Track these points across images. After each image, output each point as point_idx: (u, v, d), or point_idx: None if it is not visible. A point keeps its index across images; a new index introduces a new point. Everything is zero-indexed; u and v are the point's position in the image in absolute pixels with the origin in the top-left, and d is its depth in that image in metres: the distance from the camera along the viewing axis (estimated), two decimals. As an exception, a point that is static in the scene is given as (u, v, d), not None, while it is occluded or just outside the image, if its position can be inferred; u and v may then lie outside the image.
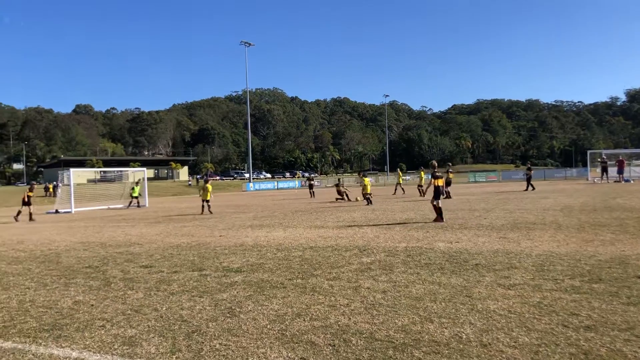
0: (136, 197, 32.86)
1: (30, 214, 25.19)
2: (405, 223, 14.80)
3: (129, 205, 32.72)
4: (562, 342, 4.45)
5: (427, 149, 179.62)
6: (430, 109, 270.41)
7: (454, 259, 8.58)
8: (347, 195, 29.04)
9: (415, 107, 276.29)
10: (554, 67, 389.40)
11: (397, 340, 4.65)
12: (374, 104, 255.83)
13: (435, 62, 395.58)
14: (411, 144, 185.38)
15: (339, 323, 5.23)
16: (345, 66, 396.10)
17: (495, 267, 7.77)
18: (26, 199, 25.47)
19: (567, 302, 5.66)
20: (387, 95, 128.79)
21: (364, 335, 4.82)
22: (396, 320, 5.24)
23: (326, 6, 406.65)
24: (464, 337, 4.68)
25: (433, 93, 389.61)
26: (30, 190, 26.26)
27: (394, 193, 33.62)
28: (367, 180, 26.11)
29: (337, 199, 29.42)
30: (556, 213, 15.83)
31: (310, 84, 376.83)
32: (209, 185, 24.46)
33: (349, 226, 14.59)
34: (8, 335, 5.31)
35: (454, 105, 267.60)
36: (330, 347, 4.54)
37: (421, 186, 30.43)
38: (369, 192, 24.66)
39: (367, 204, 24.05)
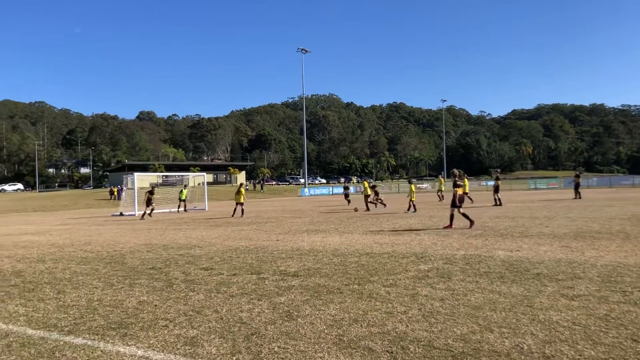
0: (183, 201, 33.12)
1: (145, 214, 26.49)
2: (463, 229, 14.55)
3: (185, 209, 33.00)
4: (632, 357, 4.27)
5: (486, 155, 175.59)
6: (489, 114, 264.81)
7: (515, 267, 8.38)
8: (378, 200, 27.79)
9: (474, 112, 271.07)
10: (621, 70, 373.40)
11: (455, 349, 4.59)
12: (430, 109, 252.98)
13: (495, 67, 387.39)
14: (469, 150, 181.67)
15: (397, 330, 5.21)
16: (402, 71, 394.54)
17: (557, 276, 7.53)
18: (147, 201, 26.73)
19: (637, 316, 5.43)
20: (445, 100, 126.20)
21: (422, 343, 4.79)
22: (455, 329, 5.18)
23: (382, 12, 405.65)
24: (526, 347, 4.57)
25: (492, 98, 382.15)
26: (151, 192, 27.32)
27: (440, 200, 32.84)
28: (366, 184, 27.16)
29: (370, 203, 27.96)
30: (623, 222, 15.16)
31: (365, 89, 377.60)
32: (242, 189, 25.60)
33: (406, 233, 14.48)
34: (78, 332, 5.58)
35: (514, 110, 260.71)
36: (388, 354, 4.54)
37: (441, 191, 32.79)
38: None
39: (366, 210, 25.61)
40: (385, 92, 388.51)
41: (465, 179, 35.71)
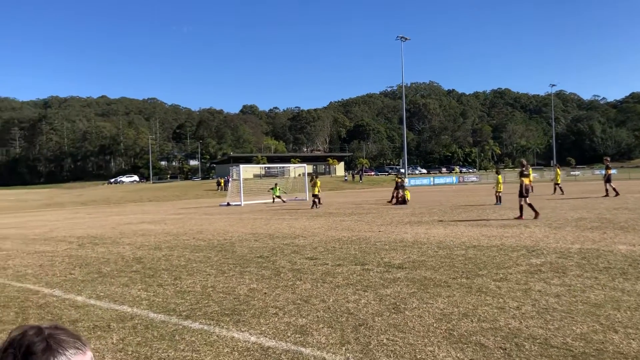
0: (278, 197, 34.29)
1: (315, 203, 26.09)
2: (578, 222, 13.70)
3: (283, 200, 34.20)
4: None
5: (601, 142, 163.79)
6: (603, 97, 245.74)
7: (639, 263, 7.76)
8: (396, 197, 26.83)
9: (586, 96, 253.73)
10: None
11: (575, 349, 4.33)
12: (538, 95, 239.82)
13: (610, 47, 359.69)
14: (581, 137, 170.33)
15: (510, 326, 5.01)
16: (506, 56, 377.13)
17: (691, 275, 6.88)
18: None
19: None
20: (554, 85, 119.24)
21: (537, 341, 4.56)
22: (573, 327, 4.89)
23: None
24: (657, 351, 4.21)
25: (606, 80, 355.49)
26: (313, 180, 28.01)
27: (555, 192, 29.37)
28: (318, 182, 26.09)
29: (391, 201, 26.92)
30: None
31: (468, 76, 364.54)
32: (318, 181, 26.05)
33: (515, 225, 13.88)
34: (195, 317, 5.89)
35: (633, 93, 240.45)
36: (501, 351, 4.37)
37: (557, 183, 29.82)
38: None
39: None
40: (489, 78, 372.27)
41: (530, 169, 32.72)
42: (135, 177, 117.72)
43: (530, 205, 15.19)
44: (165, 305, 6.48)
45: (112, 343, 5.09)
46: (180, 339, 5.12)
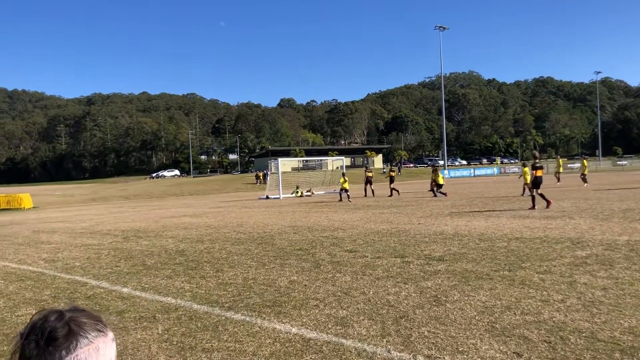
0: (301, 195, 34.55)
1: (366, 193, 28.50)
2: (625, 213, 13.29)
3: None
4: None
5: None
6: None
7: (691, 256, 7.48)
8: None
9: (634, 83, 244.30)
10: None
11: (624, 343, 4.23)
12: (582, 82, 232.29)
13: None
14: (629, 125, 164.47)
15: (554, 319, 4.91)
16: (548, 43, 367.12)
17: None
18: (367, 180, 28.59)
19: None
20: (599, 72, 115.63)
21: (583, 334, 4.47)
22: (621, 321, 4.76)
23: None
24: None
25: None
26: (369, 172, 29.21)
27: (585, 183, 29.39)
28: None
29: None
30: None
31: (508, 65, 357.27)
32: (345, 177, 26.51)
33: (558, 217, 13.55)
34: (237, 309, 5.99)
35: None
36: (546, 344, 4.30)
37: (559, 173, 31.64)
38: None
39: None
40: (530, 67, 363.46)
41: (560, 159, 34.14)
42: (176, 172, 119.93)
43: (541, 195, 15.89)
44: (208, 297, 6.61)
45: (158, 333, 5.22)
46: (223, 329, 5.21)
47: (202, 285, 7.36)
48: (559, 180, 31.34)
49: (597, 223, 11.71)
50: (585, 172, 30.46)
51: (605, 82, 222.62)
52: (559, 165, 32.79)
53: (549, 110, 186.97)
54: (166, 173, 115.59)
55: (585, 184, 28.42)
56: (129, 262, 9.78)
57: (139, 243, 12.72)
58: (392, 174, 29.47)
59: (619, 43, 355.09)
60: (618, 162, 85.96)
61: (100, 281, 8.08)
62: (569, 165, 67.38)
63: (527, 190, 21.96)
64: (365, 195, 28.68)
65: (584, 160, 31.30)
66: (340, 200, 26.01)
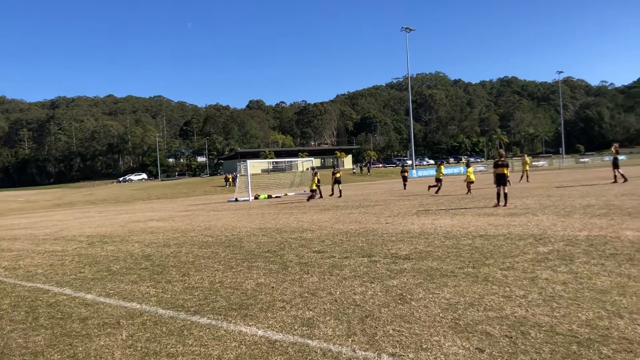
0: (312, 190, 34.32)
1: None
2: (586, 209, 13.64)
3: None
4: None
5: (609, 128, 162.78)
6: (611, 83, 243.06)
7: (647, 249, 7.72)
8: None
9: (594, 82, 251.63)
10: None
11: (581, 335, 4.35)
12: (545, 82, 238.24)
13: (618, 33, 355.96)
14: (590, 124, 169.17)
15: (516, 314, 5.02)
16: (512, 44, 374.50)
17: (699, 259, 6.84)
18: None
19: None
20: (561, 72, 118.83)
21: (543, 328, 4.58)
22: (579, 314, 4.90)
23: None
24: (663, 336, 4.21)
25: (614, 66, 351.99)
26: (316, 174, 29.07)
27: (520, 180, 31.58)
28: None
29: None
30: None
31: (474, 65, 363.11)
32: (315, 178, 27.72)
33: (521, 214, 13.83)
34: (203, 312, 5.94)
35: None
36: (507, 339, 4.39)
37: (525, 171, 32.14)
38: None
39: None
40: (495, 67, 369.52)
41: (527, 157, 34.58)
42: (144, 175, 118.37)
43: (502, 193, 16.24)
44: (173, 302, 6.54)
45: (122, 339, 5.15)
46: (188, 334, 5.17)
47: (168, 289, 7.28)
48: (527, 179, 31.75)
49: (559, 219, 11.99)
50: (527, 169, 32.44)
51: (568, 81, 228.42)
52: (525, 164, 32.89)
53: (513, 110, 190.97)
54: (133, 177, 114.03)
55: (527, 181, 30.88)
56: (94, 268, 9.61)
57: (104, 248, 12.51)
58: (337, 175, 29.85)
59: (580, 43, 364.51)
60: (580, 160, 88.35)
61: (64, 288, 7.92)
62: (534, 164, 68.81)
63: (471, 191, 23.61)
64: (332, 194, 29.81)
65: (526, 158, 33.12)
66: (308, 200, 26.78)
